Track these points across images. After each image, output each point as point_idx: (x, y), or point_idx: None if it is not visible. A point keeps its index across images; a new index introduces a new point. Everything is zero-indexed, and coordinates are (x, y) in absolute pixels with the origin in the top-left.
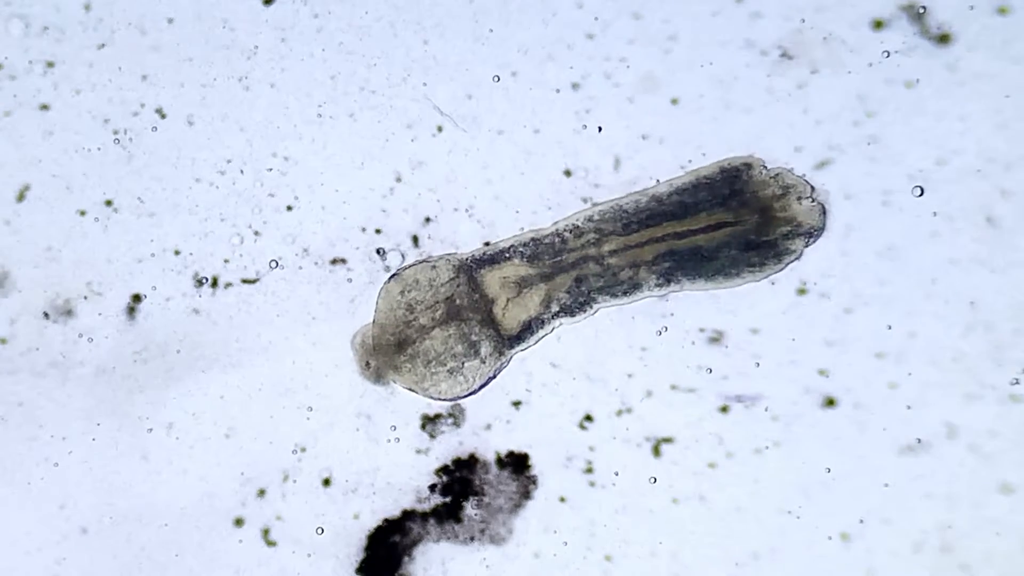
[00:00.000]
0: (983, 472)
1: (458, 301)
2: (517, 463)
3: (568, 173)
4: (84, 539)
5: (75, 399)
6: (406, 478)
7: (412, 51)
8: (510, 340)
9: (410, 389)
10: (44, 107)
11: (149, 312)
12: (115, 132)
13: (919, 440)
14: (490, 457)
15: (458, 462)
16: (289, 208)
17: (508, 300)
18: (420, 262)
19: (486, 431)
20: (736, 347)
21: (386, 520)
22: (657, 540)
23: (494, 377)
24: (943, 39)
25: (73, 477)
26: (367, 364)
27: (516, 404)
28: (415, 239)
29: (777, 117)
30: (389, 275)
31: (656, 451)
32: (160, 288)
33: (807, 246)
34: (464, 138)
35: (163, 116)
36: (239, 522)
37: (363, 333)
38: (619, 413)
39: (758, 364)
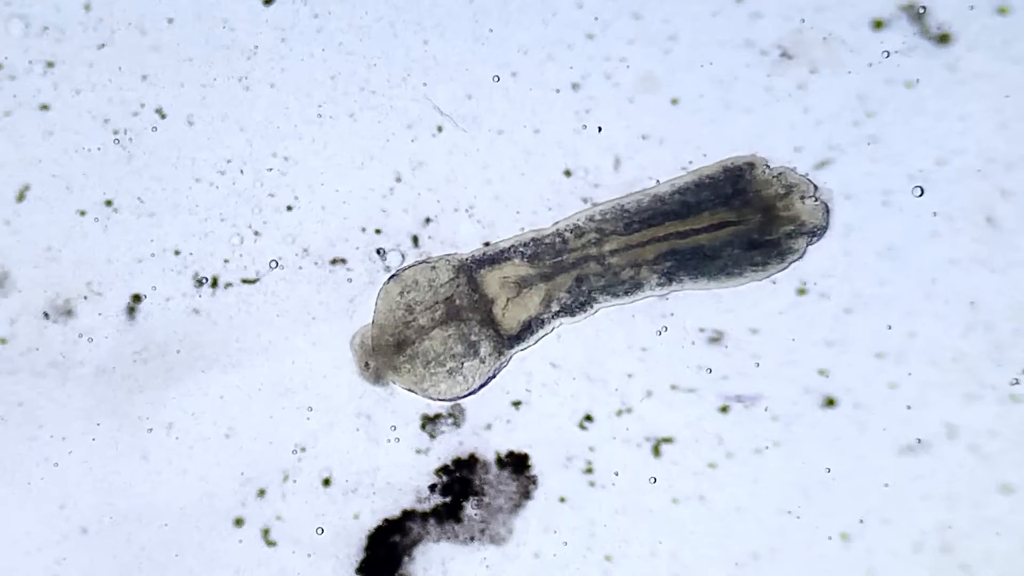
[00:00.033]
0: (983, 472)
1: (457, 301)
2: (517, 463)
3: (568, 173)
4: (84, 539)
5: (75, 399)
6: (406, 478)
7: (412, 51)
8: (510, 340)
9: (409, 390)
10: (44, 107)
11: (149, 312)
12: (115, 132)
13: (919, 440)
14: (490, 457)
15: (458, 462)
16: (289, 208)
17: (508, 300)
18: (420, 263)
19: (486, 431)
20: (736, 347)
21: (386, 520)
22: (657, 540)
23: (494, 377)
24: (943, 39)
25: (73, 477)
26: (366, 365)
27: (516, 404)
28: (415, 239)
29: (777, 117)
30: (388, 276)
31: (656, 451)
32: (160, 288)
33: (810, 245)
34: (464, 138)
35: (163, 116)
36: (239, 522)
37: (362, 334)
38: (619, 413)
39: (758, 364)
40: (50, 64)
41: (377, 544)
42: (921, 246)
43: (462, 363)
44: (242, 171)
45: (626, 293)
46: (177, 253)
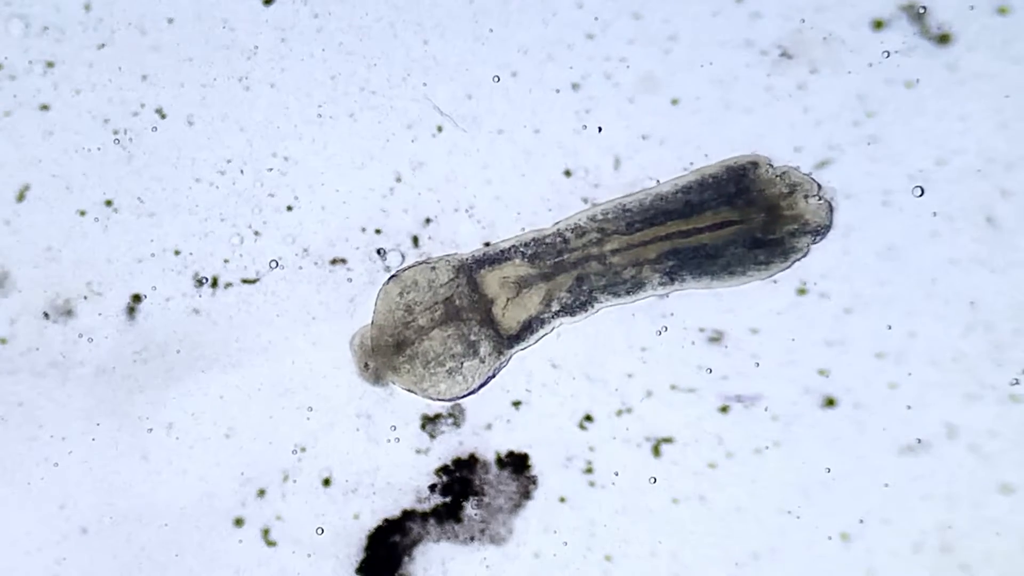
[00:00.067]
0: (983, 472)
1: (457, 302)
2: (517, 463)
3: (568, 173)
4: (84, 539)
5: (75, 399)
6: (406, 478)
7: (412, 51)
8: (509, 340)
9: (409, 390)
10: (44, 107)
11: (149, 312)
12: (115, 132)
13: (919, 440)
14: (490, 457)
15: (458, 462)
16: (289, 208)
17: (508, 300)
18: (419, 263)
19: (486, 431)
20: (736, 347)
21: (386, 520)
22: (657, 540)
23: (493, 377)
24: (943, 39)
25: (73, 477)
26: (366, 365)
27: (516, 404)
28: (415, 239)
29: (777, 117)
30: (388, 276)
31: (656, 451)
32: (160, 288)
33: (814, 244)
34: (464, 138)
35: (163, 116)
36: (239, 522)
37: (361, 334)
38: (619, 413)
39: (758, 364)
40: (50, 64)
41: (377, 544)
42: (921, 246)
43: (461, 363)
44: (242, 171)
45: (628, 292)
46: (177, 253)
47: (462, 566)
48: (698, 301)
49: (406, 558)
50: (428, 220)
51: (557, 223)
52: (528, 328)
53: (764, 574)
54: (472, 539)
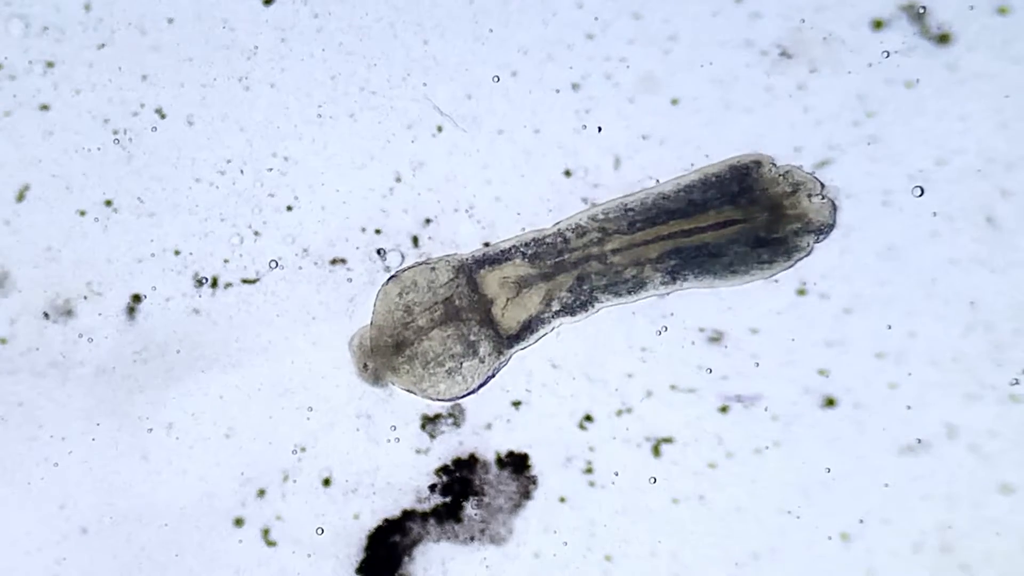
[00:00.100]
0: (983, 472)
1: (457, 302)
2: (517, 463)
3: (568, 173)
4: (84, 539)
5: (75, 399)
6: (406, 478)
7: (412, 51)
8: (509, 340)
9: (408, 390)
10: (44, 107)
11: (149, 312)
12: (115, 132)
13: (919, 440)
14: (490, 457)
15: (458, 462)
16: (289, 208)
17: (507, 300)
18: (419, 264)
19: (486, 431)
20: (736, 347)
21: (386, 520)
22: (657, 540)
23: (493, 376)
24: (943, 39)
25: (73, 477)
26: (365, 366)
27: (516, 404)
28: (415, 239)
29: (777, 117)
30: (388, 277)
31: (656, 451)
32: (160, 288)
33: (817, 243)
34: (464, 138)
35: (163, 116)
36: (239, 522)
37: (361, 335)
38: (619, 413)
39: (758, 364)
40: (50, 64)
41: (377, 544)
42: (921, 246)
43: (461, 363)
44: (242, 171)
45: (629, 292)
46: (177, 253)
47: (462, 566)
48: (698, 301)
49: (406, 558)
50: (428, 220)
51: (558, 223)
52: (528, 328)
53: (764, 574)
54: (472, 539)
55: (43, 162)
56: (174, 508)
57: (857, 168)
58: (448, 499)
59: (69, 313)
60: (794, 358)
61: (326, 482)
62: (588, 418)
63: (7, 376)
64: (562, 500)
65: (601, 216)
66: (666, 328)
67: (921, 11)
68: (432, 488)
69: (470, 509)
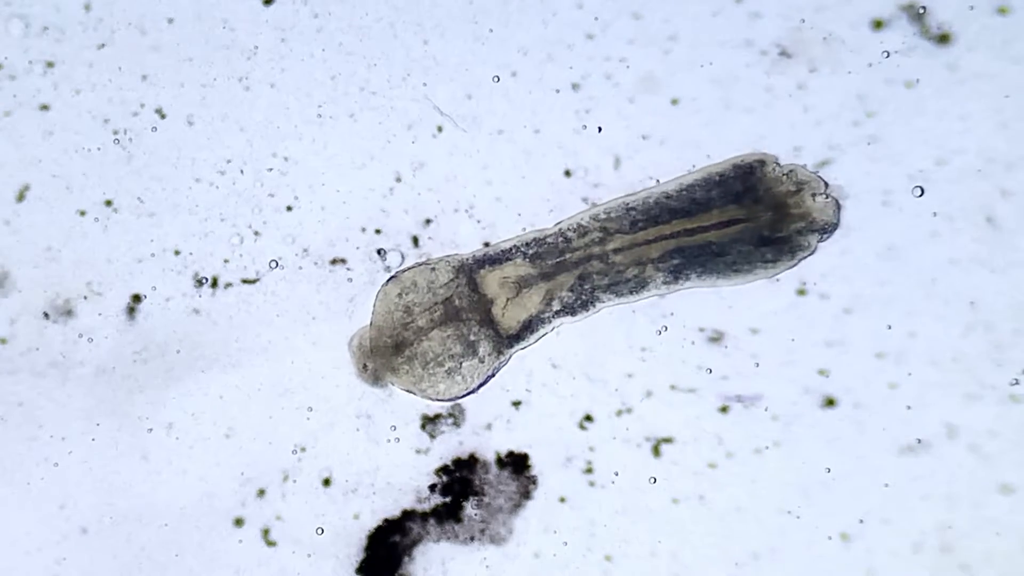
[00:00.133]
0: (983, 472)
1: (457, 302)
2: (517, 463)
3: (568, 173)
4: (84, 539)
5: (75, 399)
6: (406, 478)
7: (412, 51)
8: (509, 339)
9: (408, 391)
10: (44, 107)
11: (149, 312)
12: (115, 132)
13: (919, 440)
14: (490, 457)
15: (458, 462)
16: (289, 208)
17: (508, 300)
18: (419, 264)
19: (486, 431)
20: (736, 347)
21: (386, 520)
22: (657, 540)
23: (493, 376)
24: (943, 39)
25: (73, 477)
26: (364, 367)
27: (516, 404)
28: (415, 240)
29: (777, 117)
30: (388, 277)
31: (656, 451)
32: (160, 288)
33: (821, 241)
34: (464, 138)
35: (163, 116)
36: (239, 522)
37: (360, 336)
38: (619, 413)
39: (758, 364)
40: (50, 64)
41: (377, 544)
42: (921, 246)
43: (460, 363)
44: (242, 171)
45: (631, 292)
46: (177, 253)
47: (462, 566)
48: (698, 301)
49: (406, 558)
50: (428, 220)
51: (559, 222)
52: (528, 328)
53: (764, 574)
54: (472, 539)
55: (43, 162)
56: (174, 508)
57: (857, 168)
58: (448, 499)
59: (69, 313)
60: (794, 358)
61: (326, 482)
62: (588, 418)
63: (7, 376)
64: (562, 500)
65: (603, 215)
66: (666, 328)
67: (921, 11)
68: (432, 488)
69: (470, 509)
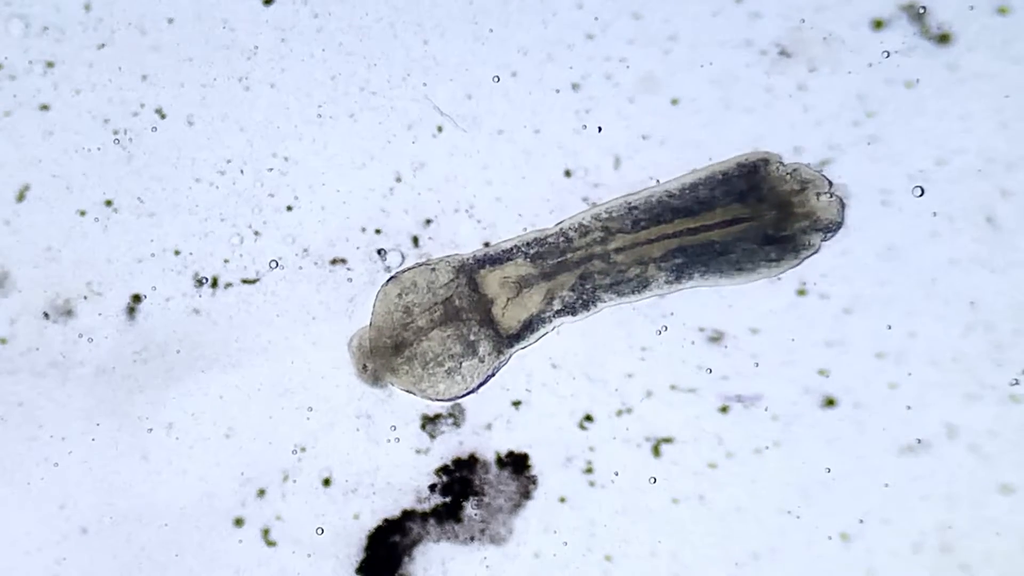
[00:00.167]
0: (983, 472)
1: (457, 302)
2: (517, 463)
3: (568, 173)
4: (84, 539)
5: (75, 399)
6: (406, 478)
7: (412, 51)
8: (510, 339)
9: (408, 391)
10: (44, 107)
11: (149, 312)
12: (115, 132)
13: (919, 440)
14: (490, 457)
15: (458, 462)
16: (289, 208)
17: (508, 300)
18: (419, 265)
19: (486, 431)
20: (736, 347)
21: (386, 520)
22: (657, 540)
23: (493, 375)
24: (943, 39)
25: (73, 477)
26: (364, 367)
27: (516, 404)
28: (415, 240)
29: (777, 117)
30: (388, 278)
31: (656, 451)
32: (160, 288)
33: (825, 240)
34: (464, 138)
35: (163, 116)
36: (239, 522)
37: (360, 336)
38: (619, 413)
39: (758, 364)
40: (50, 64)
41: (377, 544)
42: (921, 246)
43: (460, 363)
44: (242, 171)
45: (633, 291)
46: (177, 253)
47: (462, 566)
48: (698, 301)
49: (406, 558)
50: (428, 221)
51: (560, 222)
52: (529, 327)
53: (764, 574)
54: (472, 539)
55: (43, 162)
56: (174, 508)
57: (857, 168)
58: (448, 499)
59: (69, 313)
60: (794, 358)
61: (326, 482)
62: (588, 418)
63: (7, 376)
64: (562, 500)
65: (605, 215)
66: (666, 328)
67: (921, 11)
68: (432, 488)
69: (470, 509)
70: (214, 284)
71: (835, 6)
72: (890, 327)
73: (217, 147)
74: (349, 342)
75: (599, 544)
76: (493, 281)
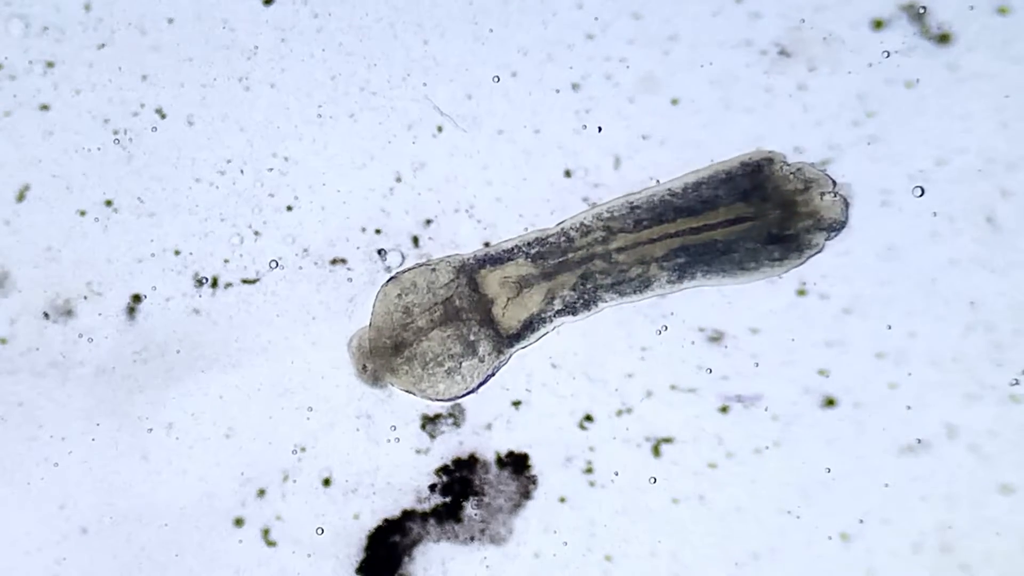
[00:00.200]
0: (983, 472)
1: (457, 302)
2: (517, 463)
3: (568, 173)
4: (84, 539)
5: (75, 399)
6: (406, 478)
7: (412, 52)
8: (510, 339)
9: (407, 391)
10: (44, 107)
11: (149, 312)
12: (115, 132)
13: (919, 440)
14: (490, 457)
15: (458, 462)
16: (289, 208)
17: (508, 300)
18: (420, 265)
19: (486, 431)
20: (736, 347)
21: (386, 520)
22: (657, 540)
23: (493, 375)
24: (943, 39)
25: (73, 477)
26: (364, 368)
27: (516, 404)
28: (415, 240)
29: (777, 117)
30: (388, 278)
31: (656, 451)
32: (160, 288)
33: (828, 240)
34: (464, 139)
35: (163, 116)
36: (239, 522)
37: (359, 336)
38: (619, 413)
39: (758, 364)
40: (50, 64)
41: (377, 544)
42: (921, 246)
43: (460, 363)
44: (242, 171)
45: (634, 291)
46: (177, 253)
47: (462, 566)
48: (698, 300)
49: (406, 558)
50: (429, 221)
51: (561, 222)
52: (529, 327)
53: (764, 574)
54: (472, 539)
55: (43, 162)
56: (174, 508)
57: (857, 168)
58: (448, 499)
59: (69, 313)
60: (794, 358)
61: (326, 482)
62: (588, 418)
63: (7, 376)
64: (562, 500)
65: (606, 214)
66: (666, 328)
67: (921, 11)
68: (432, 488)
69: (470, 509)
70: (214, 284)
71: (835, 6)
72: (890, 327)
73: (217, 147)
74: (349, 342)
75: (599, 544)
76: (493, 281)
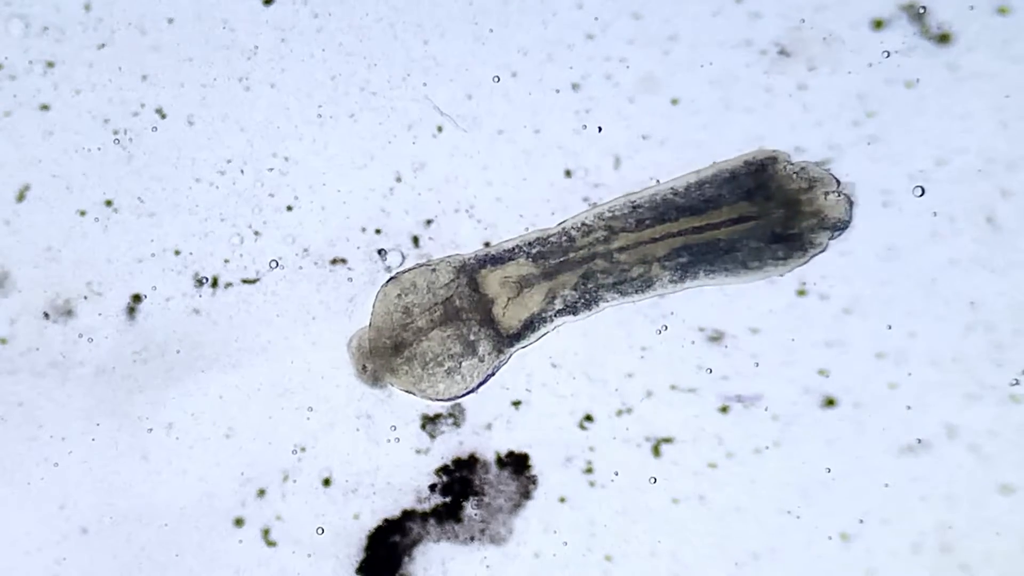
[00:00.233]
0: (983, 472)
1: (457, 302)
2: (517, 463)
3: (568, 173)
4: (84, 539)
5: (75, 399)
6: (406, 478)
7: (412, 52)
8: (510, 339)
9: (407, 391)
10: (44, 107)
11: (149, 312)
12: (115, 132)
13: (919, 440)
14: (490, 457)
15: (458, 462)
16: (289, 208)
17: (508, 299)
18: (420, 265)
19: (486, 431)
20: (736, 347)
21: (386, 520)
22: (657, 540)
23: (493, 375)
24: (943, 39)
25: (73, 477)
26: (364, 368)
27: (516, 404)
28: (415, 240)
29: (777, 117)
30: (388, 278)
31: (656, 451)
32: (160, 288)
33: (832, 239)
34: (464, 139)
35: (163, 116)
36: (239, 522)
37: (359, 336)
38: (619, 413)
39: (758, 364)
40: (50, 64)
41: (377, 544)
42: (921, 246)
43: (460, 363)
44: (242, 171)
45: (636, 291)
46: (177, 253)
47: (462, 566)
48: (698, 300)
49: (406, 558)
50: (429, 221)
51: (562, 222)
52: (529, 327)
53: (764, 574)
54: (472, 539)
55: (43, 162)
56: (174, 508)
57: (857, 168)
58: (448, 499)
59: (69, 313)
60: (794, 358)
61: (326, 482)
62: (588, 418)
63: (7, 376)
64: (562, 500)
65: (608, 214)
66: (666, 328)
67: (921, 11)
68: (432, 488)
69: (470, 509)
70: (214, 284)
71: (835, 6)
72: (890, 327)
73: (217, 147)
74: (349, 342)
75: (599, 544)
76: (494, 281)
